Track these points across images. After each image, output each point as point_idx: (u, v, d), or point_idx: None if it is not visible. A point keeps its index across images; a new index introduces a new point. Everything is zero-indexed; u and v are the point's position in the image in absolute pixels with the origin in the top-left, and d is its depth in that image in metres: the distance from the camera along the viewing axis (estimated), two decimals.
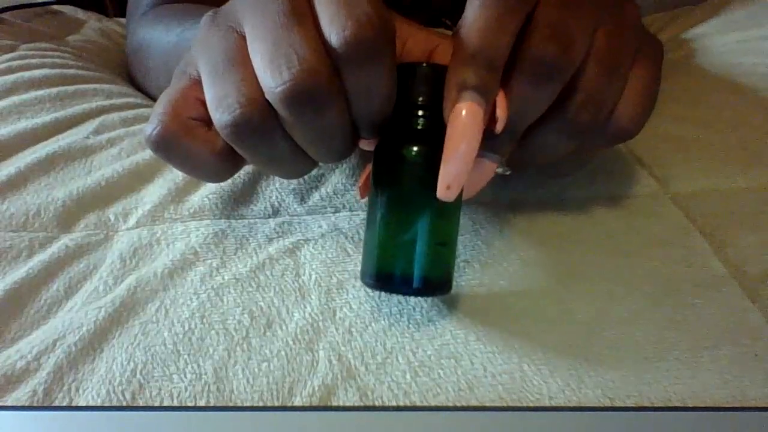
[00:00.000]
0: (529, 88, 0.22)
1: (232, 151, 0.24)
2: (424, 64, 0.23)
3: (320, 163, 0.28)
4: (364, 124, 0.23)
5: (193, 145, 0.23)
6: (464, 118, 0.21)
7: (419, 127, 0.23)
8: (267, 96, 0.21)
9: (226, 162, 0.24)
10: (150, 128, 0.23)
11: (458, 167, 0.21)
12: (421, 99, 0.23)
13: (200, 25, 0.23)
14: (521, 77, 0.22)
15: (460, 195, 0.23)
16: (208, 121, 0.23)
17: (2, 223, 0.30)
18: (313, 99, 0.20)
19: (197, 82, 0.23)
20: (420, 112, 0.23)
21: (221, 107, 0.21)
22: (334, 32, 0.20)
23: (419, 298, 0.25)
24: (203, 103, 0.23)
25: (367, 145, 0.25)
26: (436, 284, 0.23)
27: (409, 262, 0.23)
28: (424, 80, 0.23)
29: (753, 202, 0.31)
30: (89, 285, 0.27)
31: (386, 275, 0.23)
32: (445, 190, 0.22)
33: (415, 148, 0.23)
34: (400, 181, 0.23)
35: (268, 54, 0.20)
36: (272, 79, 0.20)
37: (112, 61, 0.56)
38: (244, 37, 0.22)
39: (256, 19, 0.21)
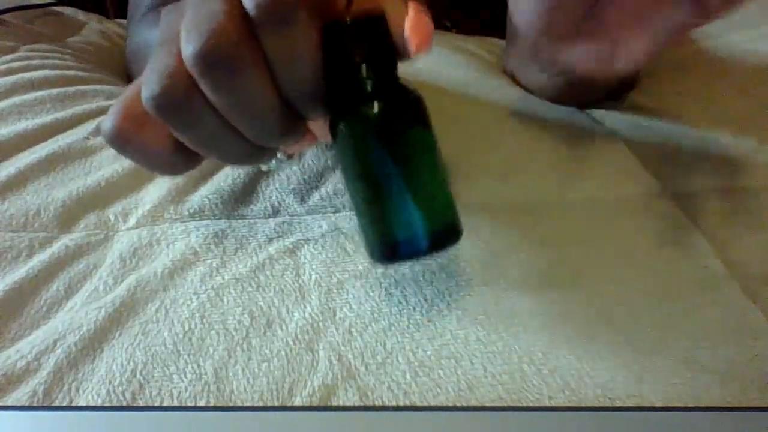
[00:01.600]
0: None
1: (183, 144, 0.23)
2: (349, 18, 0.22)
3: (281, 157, 0.26)
4: (294, 96, 0.22)
5: (144, 140, 0.23)
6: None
7: (367, 87, 0.22)
8: (185, 64, 0.20)
9: (179, 155, 0.23)
10: (105, 124, 0.23)
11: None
12: (357, 55, 0.22)
13: (161, 17, 0.23)
14: None
15: (433, 138, 0.23)
16: None
17: (2, 223, 0.30)
18: (224, 60, 0.20)
19: None
20: (362, 70, 0.22)
21: (145, 84, 0.21)
22: None
23: (420, 299, 0.25)
24: None
25: (318, 129, 0.24)
26: (443, 236, 0.23)
27: (408, 225, 0.22)
28: (356, 33, 0.22)
29: (753, 202, 0.31)
30: (89, 285, 0.27)
31: (392, 247, 0.22)
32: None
33: (370, 110, 0.22)
34: (364, 148, 0.22)
35: (186, 23, 0.20)
36: (186, 44, 0.20)
37: (113, 62, 0.56)
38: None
39: None
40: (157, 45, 0.22)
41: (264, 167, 0.31)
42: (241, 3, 0.20)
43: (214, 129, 0.22)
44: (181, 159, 0.24)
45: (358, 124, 0.22)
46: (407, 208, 0.22)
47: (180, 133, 0.22)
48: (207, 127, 0.22)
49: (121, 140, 0.23)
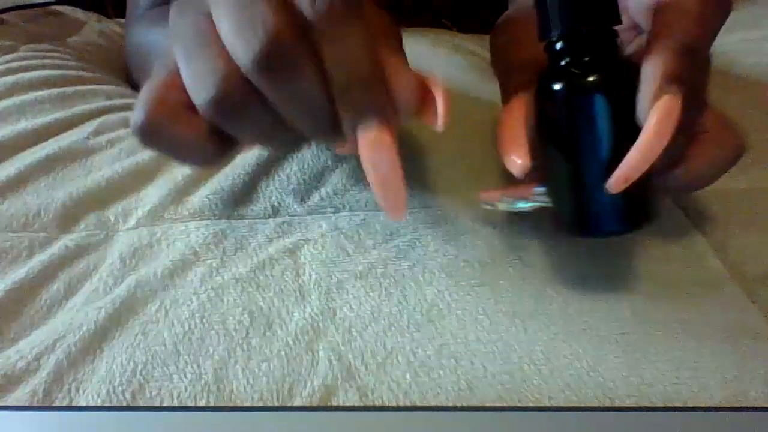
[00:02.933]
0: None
1: (219, 132, 0.23)
2: None
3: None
4: (344, 98, 0.22)
5: (179, 130, 0.23)
6: (665, 113, 0.20)
7: (597, 56, 0.22)
8: (241, 68, 0.21)
9: (215, 144, 0.23)
10: (135, 118, 0.23)
11: (643, 163, 0.21)
12: (585, 18, 0.22)
13: (170, 14, 0.23)
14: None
15: None
16: (191, 107, 0.23)
17: (2, 223, 0.30)
18: (284, 62, 0.20)
19: (176, 71, 0.23)
20: (590, 35, 0.22)
21: (198, 87, 0.21)
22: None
23: (420, 299, 0.25)
24: (185, 90, 0.23)
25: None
26: (643, 217, 0.23)
27: (617, 200, 0.22)
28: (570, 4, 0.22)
29: (753, 202, 0.31)
30: (89, 285, 0.27)
31: (593, 221, 0.23)
32: (619, 182, 0.21)
33: (603, 78, 0.22)
34: (591, 117, 0.22)
35: (234, 25, 0.20)
36: (241, 49, 0.20)
37: (113, 62, 0.56)
38: (211, 17, 0.22)
39: None
40: (191, 45, 0.22)
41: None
42: (289, 3, 0.20)
43: (270, 125, 0.22)
44: (216, 148, 0.24)
45: (591, 92, 0.22)
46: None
47: (234, 131, 0.22)
48: (262, 123, 0.22)
49: (153, 134, 0.23)
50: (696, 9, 0.22)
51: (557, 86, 0.22)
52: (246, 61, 0.20)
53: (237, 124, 0.22)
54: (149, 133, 0.23)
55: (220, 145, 0.24)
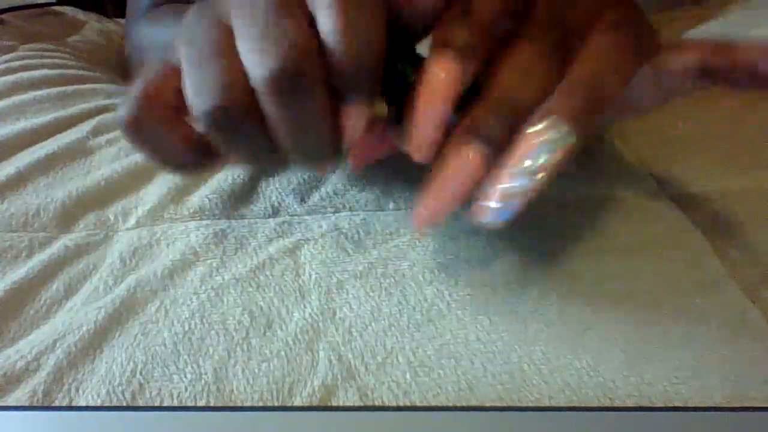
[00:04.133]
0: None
1: (205, 145, 0.23)
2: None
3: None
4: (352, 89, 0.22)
5: (165, 132, 0.23)
6: (437, 78, 0.21)
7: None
8: (254, 81, 0.20)
9: (197, 154, 0.23)
10: (123, 110, 0.23)
11: (423, 134, 0.21)
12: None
13: (186, 15, 0.23)
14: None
15: None
16: (182, 112, 0.23)
17: (2, 223, 0.30)
18: (301, 81, 0.20)
19: (177, 71, 0.23)
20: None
21: (201, 93, 0.21)
22: (326, 18, 0.20)
23: (420, 299, 0.26)
24: (179, 93, 0.22)
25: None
26: None
27: None
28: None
29: (753, 202, 0.31)
30: (89, 285, 0.27)
31: None
32: (416, 154, 0.22)
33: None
34: None
35: (257, 38, 0.20)
36: (259, 62, 0.20)
37: (112, 61, 0.56)
38: (230, 29, 0.21)
39: (245, 9, 0.21)
40: (203, 51, 0.21)
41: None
42: (305, 18, 0.20)
43: (261, 143, 0.22)
44: (198, 159, 0.24)
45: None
46: None
47: (224, 144, 0.22)
48: (255, 143, 0.22)
49: (138, 130, 0.23)
50: None
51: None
52: (261, 76, 0.20)
53: (230, 138, 0.22)
54: (133, 129, 0.23)
55: (202, 156, 0.24)
